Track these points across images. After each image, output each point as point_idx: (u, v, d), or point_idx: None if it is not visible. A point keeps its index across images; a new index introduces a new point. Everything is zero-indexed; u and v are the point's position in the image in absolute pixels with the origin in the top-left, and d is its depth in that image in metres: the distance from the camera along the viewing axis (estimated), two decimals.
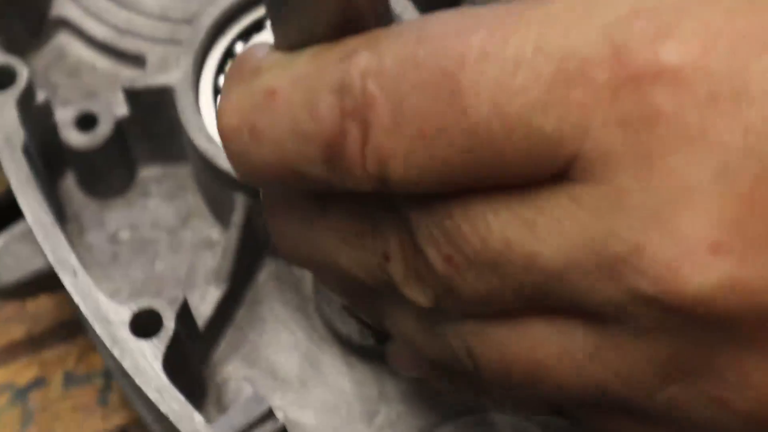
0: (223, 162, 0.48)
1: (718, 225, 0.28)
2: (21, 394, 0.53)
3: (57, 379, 0.54)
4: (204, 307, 0.48)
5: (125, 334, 0.43)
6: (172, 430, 0.42)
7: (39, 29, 0.56)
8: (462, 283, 0.32)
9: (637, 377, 0.31)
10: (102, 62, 0.56)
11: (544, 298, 0.31)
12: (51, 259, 0.45)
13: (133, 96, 0.51)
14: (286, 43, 0.33)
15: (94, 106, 0.51)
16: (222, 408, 0.48)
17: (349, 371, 0.48)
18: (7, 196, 0.56)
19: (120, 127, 0.51)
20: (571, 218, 0.30)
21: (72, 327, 0.54)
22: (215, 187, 0.50)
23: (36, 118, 0.50)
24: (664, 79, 0.28)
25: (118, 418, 0.52)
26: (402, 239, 0.33)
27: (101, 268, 0.51)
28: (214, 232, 0.52)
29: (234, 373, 0.49)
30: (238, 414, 0.43)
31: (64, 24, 0.56)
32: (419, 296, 0.33)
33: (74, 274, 0.45)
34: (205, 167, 0.49)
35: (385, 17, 0.33)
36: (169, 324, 0.44)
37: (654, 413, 0.32)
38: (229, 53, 0.51)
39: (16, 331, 0.55)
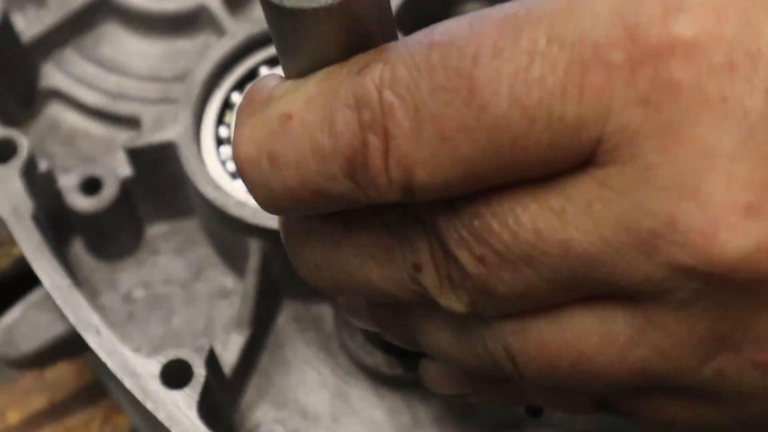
0: (232, 209, 0.48)
1: (749, 187, 0.28)
2: None
3: None
4: (227, 355, 0.48)
5: (156, 386, 0.43)
6: None
7: (30, 100, 0.56)
8: (497, 282, 0.32)
9: (681, 354, 0.31)
10: (96, 128, 0.56)
11: (581, 285, 0.31)
12: (72, 320, 0.45)
13: (135, 155, 0.51)
14: (296, 70, 0.33)
15: (96, 170, 0.51)
16: None
17: (380, 402, 0.48)
18: (13, 269, 0.56)
19: (125, 187, 0.52)
20: (601, 201, 0.30)
21: (94, 391, 0.54)
22: (227, 235, 0.50)
23: (40, 186, 0.50)
24: (680, 51, 0.29)
25: None
26: (431, 247, 0.33)
27: (119, 329, 0.51)
28: (228, 281, 0.52)
29: (263, 417, 0.49)
30: None
31: (55, 94, 0.56)
32: (454, 303, 0.33)
33: (98, 332, 0.45)
34: (215, 216, 0.49)
35: (391, 33, 0.34)
36: (200, 371, 0.43)
37: (701, 389, 0.32)
38: (227, 104, 0.52)
39: (38, 402, 0.55)
